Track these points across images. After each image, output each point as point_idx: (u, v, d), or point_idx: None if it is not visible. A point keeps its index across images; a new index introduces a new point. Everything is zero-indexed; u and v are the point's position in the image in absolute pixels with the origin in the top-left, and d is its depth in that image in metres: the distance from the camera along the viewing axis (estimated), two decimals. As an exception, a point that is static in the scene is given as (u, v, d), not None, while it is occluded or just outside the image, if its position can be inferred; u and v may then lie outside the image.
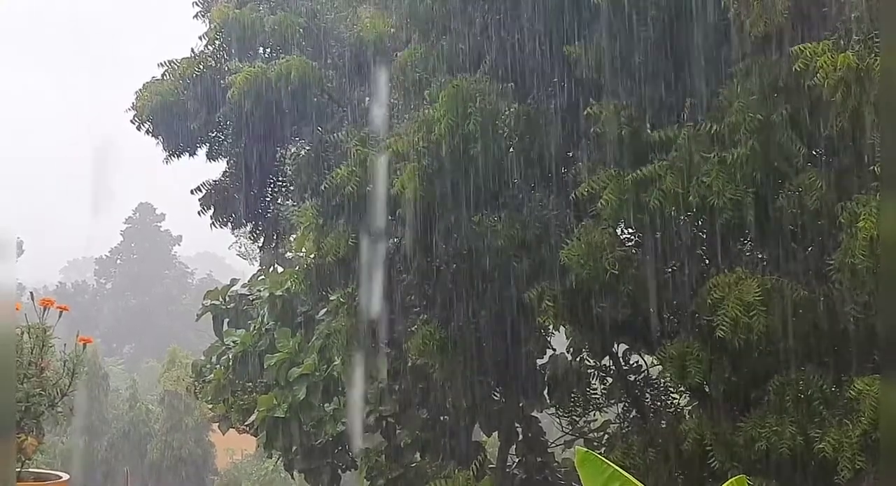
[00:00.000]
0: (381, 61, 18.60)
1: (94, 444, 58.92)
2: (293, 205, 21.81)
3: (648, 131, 15.13)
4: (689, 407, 17.78)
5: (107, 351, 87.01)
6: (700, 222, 16.01)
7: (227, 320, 28.45)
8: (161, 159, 20.84)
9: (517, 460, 21.87)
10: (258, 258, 33.92)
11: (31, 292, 7.97)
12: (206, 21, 20.52)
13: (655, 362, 17.84)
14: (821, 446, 13.73)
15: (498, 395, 20.93)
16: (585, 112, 15.48)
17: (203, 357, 29.50)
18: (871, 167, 13.11)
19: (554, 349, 20.17)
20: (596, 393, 19.92)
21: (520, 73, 16.65)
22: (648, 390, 19.11)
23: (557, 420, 20.81)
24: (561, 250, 15.18)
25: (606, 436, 19.73)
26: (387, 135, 17.28)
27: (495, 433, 22.17)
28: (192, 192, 21.77)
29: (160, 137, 20.58)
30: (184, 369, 51.08)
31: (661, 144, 14.84)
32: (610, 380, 19.78)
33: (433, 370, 18.80)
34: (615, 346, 19.01)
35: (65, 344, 7.42)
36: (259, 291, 27.52)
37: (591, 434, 20.52)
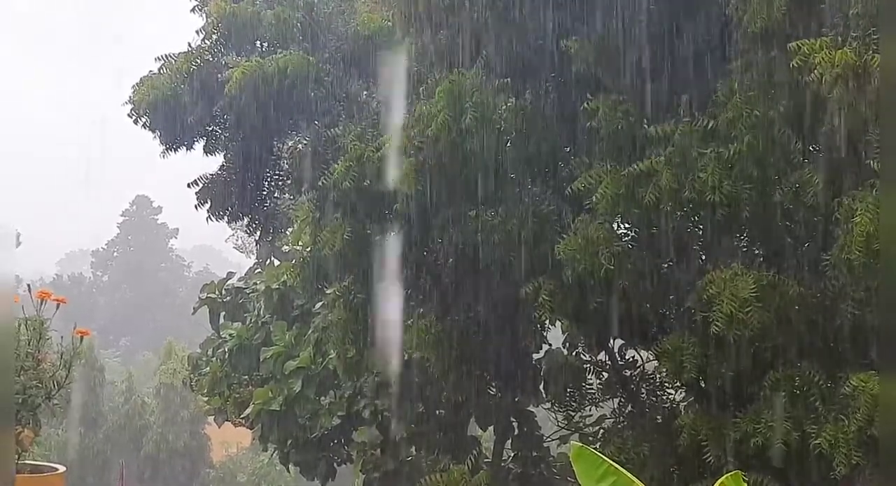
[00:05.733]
0: (378, 56, 18.61)
1: (89, 436, 58.87)
2: (290, 199, 21.82)
3: (645, 127, 15.14)
4: (685, 402, 17.80)
5: (103, 344, 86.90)
6: (696, 218, 16.01)
7: (223, 314, 28.49)
8: (158, 153, 20.84)
9: (512, 454, 21.91)
10: (255, 252, 33.96)
11: (27, 285, 7.95)
12: (204, 15, 20.50)
13: (651, 357, 17.85)
14: (817, 441, 13.74)
15: (494, 390, 20.95)
16: (582, 107, 15.50)
17: (199, 350, 29.53)
18: (868, 162, 13.13)
19: (550, 344, 20.19)
20: (591, 388, 19.94)
21: (517, 69, 16.65)
22: (644, 386, 19.12)
23: (553, 415, 20.83)
24: (557, 245, 15.19)
25: (602, 431, 19.76)
26: (384, 130, 17.29)
27: (491, 428, 22.20)
28: (188, 185, 21.76)
29: (157, 131, 20.56)
30: (180, 362, 51.12)
31: (657, 140, 14.86)
32: (606, 375, 19.80)
33: (429, 364, 18.81)
34: (611, 341, 19.03)
35: (62, 337, 7.42)
36: (255, 284, 27.55)
37: (586, 429, 20.55)
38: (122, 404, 61.51)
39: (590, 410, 20.55)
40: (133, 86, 20.47)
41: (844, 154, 13.94)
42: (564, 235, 15.25)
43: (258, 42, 20.21)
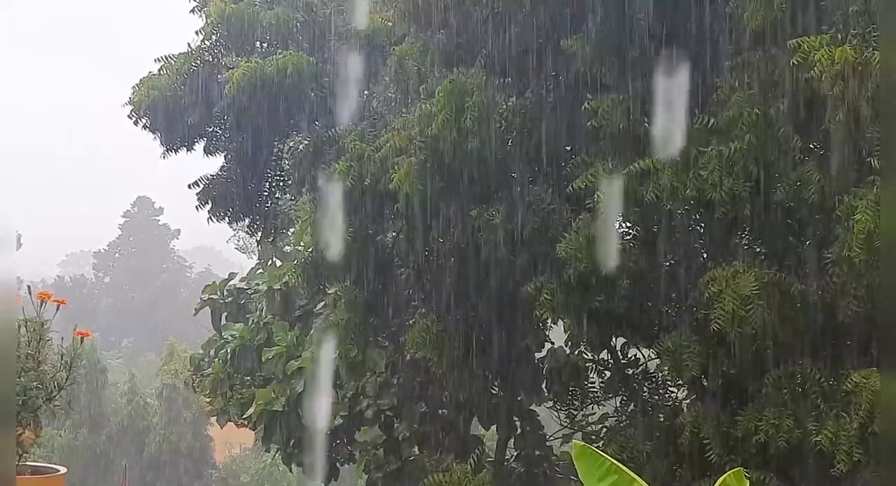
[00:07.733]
0: (378, 56, 18.62)
1: (92, 438, 58.87)
2: (291, 199, 21.83)
3: (646, 125, 15.13)
4: (687, 400, 17.79)
5: (105, 345, 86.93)
6: (697, 216, 16.01)
7: (225, 314, 28.46)
8: (159, 154, 20.87)
9: (515, 453, 21.88)
10: (256, 252, 33.98)
11: (28, 286, 7.94)
12: (203, 16, 20.52)
13: (653, 355, 17.85)
14: (818, 439, 13.74)
15: (496, 388, 20.94)
16: (583, 106, 15.49)
17: (201, 351, 29.50)
18: (869, 160, 13.12)
19: (552, 343, 20.17)
20: (594, 387, 19.93)
21: (517, 67, 16.65)
22: (646, 384, 19.12)
23: (556, 414, 20.83)
24: (559, 244, 15.19)
25: (604, 430, 19.74)
26: (384, 130, 17.30)
27: (493, 427, 22.18)
28: (189, 186, 21.78)
29: (158, 132, 20.59)
30: (182, 363, 51.05)
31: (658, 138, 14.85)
32: (608, 374, 19.78)
33: (431, 364, 18.80)
34: (613, 339, 19.02)
35: (62, 338, 7.41)
36: (257, 284, 27.51)
37: (589, 428, 20.53)
38: (125, 405, 61.49)
39: (592, 408, 20.55)
40: (133, 87, 20.50)
41: (845, 151, 13.94)
42: (566, 234, 15.25)
43: (258, 42, 20.25)
